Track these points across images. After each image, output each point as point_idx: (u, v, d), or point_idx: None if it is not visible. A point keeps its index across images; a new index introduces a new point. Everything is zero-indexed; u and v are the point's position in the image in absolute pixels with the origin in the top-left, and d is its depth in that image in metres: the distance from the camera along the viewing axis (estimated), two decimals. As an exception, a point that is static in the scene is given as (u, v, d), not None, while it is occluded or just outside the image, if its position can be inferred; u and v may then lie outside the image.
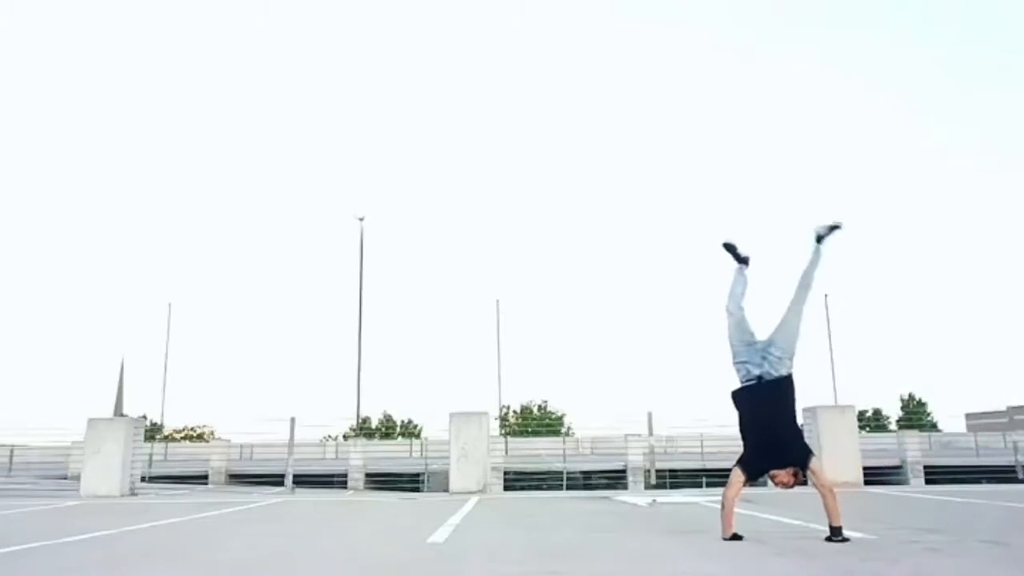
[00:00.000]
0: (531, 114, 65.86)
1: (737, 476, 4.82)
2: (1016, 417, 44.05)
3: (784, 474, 4.77)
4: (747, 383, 4.89)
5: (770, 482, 5.05)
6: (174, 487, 16.92)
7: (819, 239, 5.36)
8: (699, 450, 26.36)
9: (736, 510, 4.91)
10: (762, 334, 5.06)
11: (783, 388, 4.85)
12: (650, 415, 20.11)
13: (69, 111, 59.09)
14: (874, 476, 13.75)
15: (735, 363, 5.02)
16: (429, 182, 66.44)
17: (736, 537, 4.74)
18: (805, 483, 4.90)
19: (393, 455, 28.59)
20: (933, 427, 41.94)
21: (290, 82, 61.72)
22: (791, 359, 4.90)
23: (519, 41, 65.85)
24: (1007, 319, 60.53)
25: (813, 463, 4.76)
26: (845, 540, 4.63)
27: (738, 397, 4.97)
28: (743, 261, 5.48)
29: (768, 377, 4.82)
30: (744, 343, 5.00)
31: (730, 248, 5.51)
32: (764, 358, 4.87)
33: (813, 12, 62.13)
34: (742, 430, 4.94)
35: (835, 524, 4.71)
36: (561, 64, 66.25)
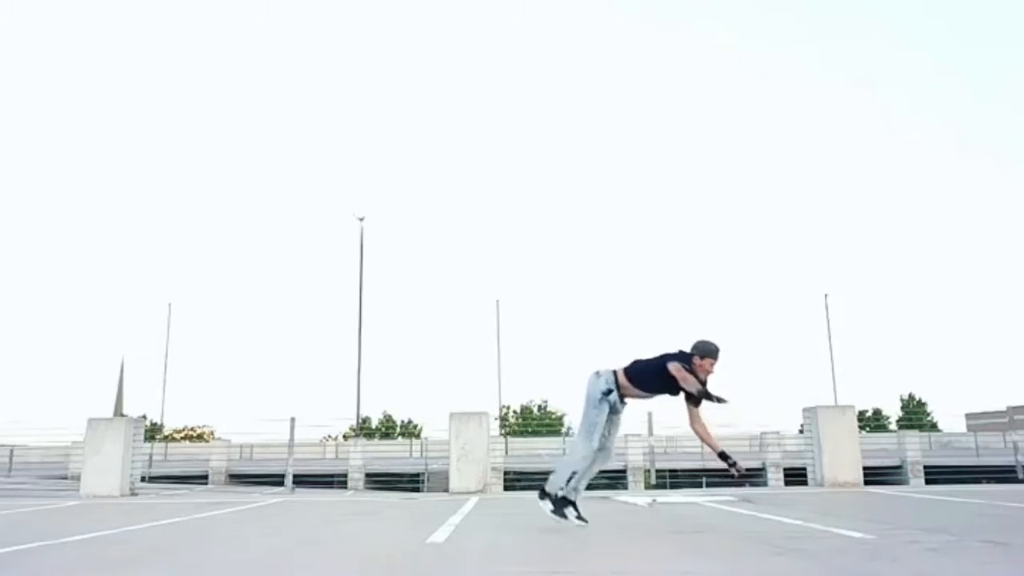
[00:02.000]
0: (531, 114, 65.86)
1: (690, 409, 5.07)
2: (1016, 417, 44.01)
3: (701, 372, 4.99)
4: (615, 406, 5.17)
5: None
6: (174, 487, 16.92)
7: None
8: (699, 450, 26.33)
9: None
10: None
11: (635, 370, 5.14)
12: (650, 415, 20.17)
13: (69, 111, 59.09)
14: (874, 476, 13.76)
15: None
16: (429, 182, 66.45)
17: (725, 457, 4.99)
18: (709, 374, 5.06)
19: (393, 455, 28.61)
20: (933, 427, 41.96)
21: (290, 82, 61.75)
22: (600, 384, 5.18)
23: (519, 41, 65.83)
24: (1007, 319, 60.57)
25: (671, 365, 4.95)
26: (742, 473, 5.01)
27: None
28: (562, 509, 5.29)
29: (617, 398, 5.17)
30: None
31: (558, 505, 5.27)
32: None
33: (812, 11, 62.08)
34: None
35: (717, 451, 5.06)
36: (561, 64, 66.23)
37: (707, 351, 5.01)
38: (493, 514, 7.22)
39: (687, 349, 5.09)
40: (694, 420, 5.13)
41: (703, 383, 4.98)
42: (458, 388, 43.33)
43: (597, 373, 5.17)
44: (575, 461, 5.06)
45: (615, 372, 5.14)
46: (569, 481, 5.18)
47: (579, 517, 5.15)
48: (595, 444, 5.01)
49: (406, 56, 64.47)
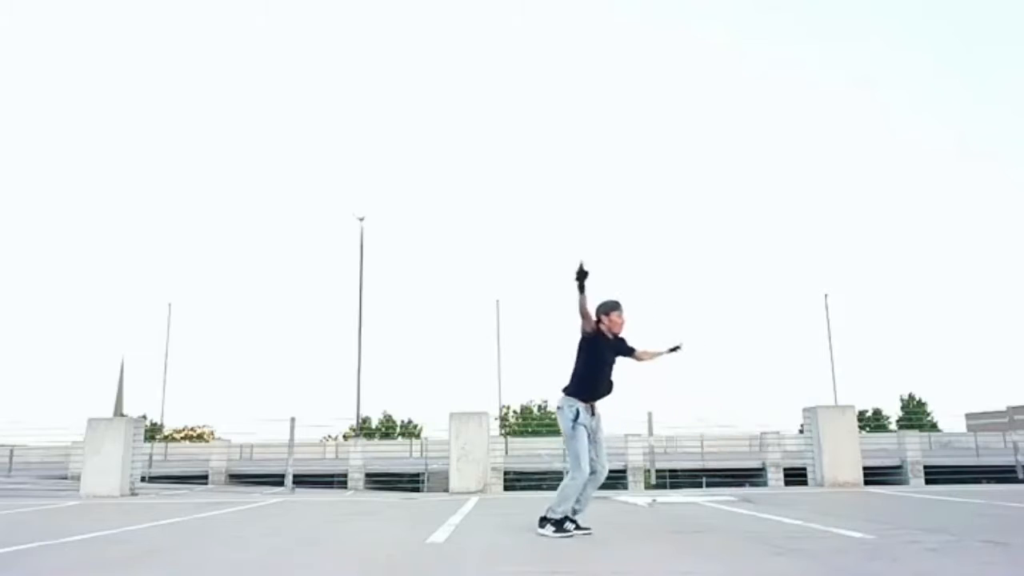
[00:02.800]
0: (530, 114, 65.89)
1: (632, 358, 5.45)
2: (1016, 417, 44.02)
3: (615, 328, 5.38)
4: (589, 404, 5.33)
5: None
6: (174, 487, 16.92)
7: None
8: (699, 450, 26.39)
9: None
10: None
11: (578, 377, 5.38)
12: (650, 415, 20.14)
13: (69, 111, 59.10)
14: (874, 476, 13.76)
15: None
16: (429, 182, 66.46)
17: (674, 348, 5.50)
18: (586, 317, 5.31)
19: (393, 455, 28.60)
20: (933, 427, 41.96)
21: (290, 82, 61.77)
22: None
23: (519, 41, 65.86)
24: (1007, 319, 60.58)
25: (584, 330, 5.31)
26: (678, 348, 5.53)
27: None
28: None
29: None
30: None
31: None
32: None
33: (812, 11, 62.11)
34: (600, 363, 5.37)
35: (671, 347, 5.56)
36: (561, 64, 66.26)
37: (608, 307, 5.27)
38: (493, 514, 7.22)
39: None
40: (640, 358, 5.45)
41: (615, 336, 5.32)
42: (458, 388, 43.37)
43: (559, 407, 5.30)
44: (575, 489, 5.13)
45: (569, 394, 5.28)
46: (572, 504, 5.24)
47: (579, 527, 5.19)
48: (586, 471, 5.09)
49: (406, 56, 64.52)
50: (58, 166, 59.15)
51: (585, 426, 5.15)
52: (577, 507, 5.20)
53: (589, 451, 5.14)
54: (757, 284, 63.56)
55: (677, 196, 64.01)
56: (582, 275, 4.97)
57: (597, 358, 5.21)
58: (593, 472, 5.16)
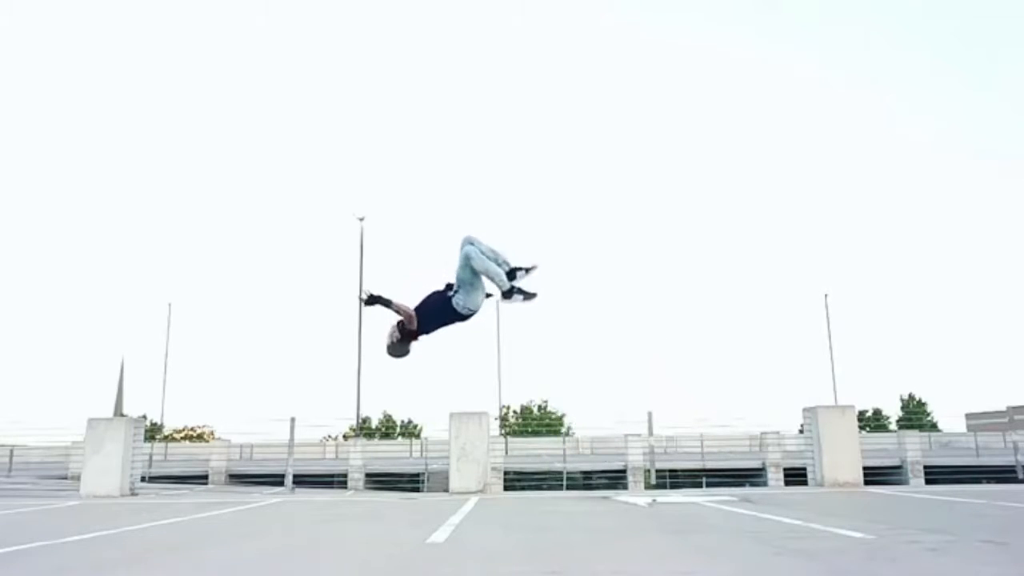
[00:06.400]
0: (531, 113, 65.88)
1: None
2: (1016, 417, 43.98)
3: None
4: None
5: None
6: (174, 487, 16.92)
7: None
8: (699, 450, 26.37)
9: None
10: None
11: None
12: (650, 415, 20.16)
13: (69, 111, 59.09)
14: (874, 476, 13.76)
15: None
16: (429, 182, 66.46)
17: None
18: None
19: (393, 455, 28.59)
20: (933, 427, 41.95)
21: (290, 82, 61.73)
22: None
23: (519, 41, 65.84)
24: (1007, 319, 60.63)
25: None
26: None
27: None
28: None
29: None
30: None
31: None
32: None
33: (812, 11, 62.12)
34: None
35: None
36: (561, 64, 66.25)
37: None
38: (493, 514, 7.22)
39: None
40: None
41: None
42: (458, 388, 43.40)
43: (456, 303, 5.71)
44: (491, 264, 5.51)
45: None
46: (509, 275, 5.57)
47: (523, 268, 5.56)
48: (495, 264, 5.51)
49: (406, 56, 64.50)
50: (59, 166, 59.16)
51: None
52: (506, 266, 5.56)
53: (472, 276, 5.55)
54: (757, 284, 63.63)
55: (678, 195, 64.00)
56: (372, 301, 5.44)
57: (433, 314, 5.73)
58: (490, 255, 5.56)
